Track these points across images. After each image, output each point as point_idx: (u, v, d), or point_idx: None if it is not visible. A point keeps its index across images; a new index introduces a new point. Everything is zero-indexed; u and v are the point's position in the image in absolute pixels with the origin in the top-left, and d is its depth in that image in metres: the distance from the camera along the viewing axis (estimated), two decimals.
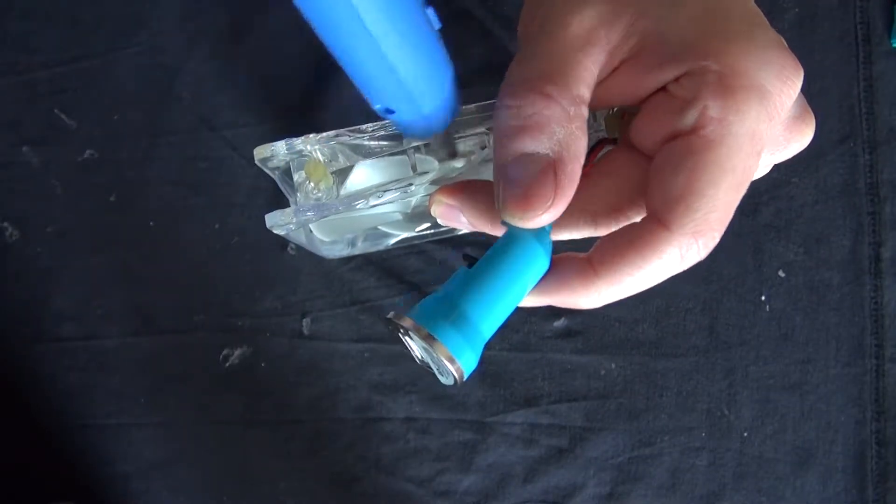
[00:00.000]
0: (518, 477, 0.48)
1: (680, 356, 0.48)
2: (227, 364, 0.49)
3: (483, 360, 0.48)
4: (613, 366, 0.48)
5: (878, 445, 0.48)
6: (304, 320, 0.49)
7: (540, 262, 0.27)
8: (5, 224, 0.50)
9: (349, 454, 0.49)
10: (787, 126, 0.27)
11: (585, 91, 0.26)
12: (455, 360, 0.26)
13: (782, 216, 0.48)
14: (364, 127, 0.32)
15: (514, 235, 0.27)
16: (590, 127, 0.30)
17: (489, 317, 0.27)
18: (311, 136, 0.33)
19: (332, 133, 0.32)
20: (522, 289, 0.28)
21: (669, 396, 0.48)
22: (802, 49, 0.48)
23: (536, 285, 0.28)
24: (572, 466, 0.48)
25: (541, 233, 0.27)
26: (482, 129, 0.34)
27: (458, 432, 0.49)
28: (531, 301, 0.29)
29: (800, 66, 0.25)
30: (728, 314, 0.48)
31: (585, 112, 0.26)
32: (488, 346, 0.48)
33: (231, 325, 0.49)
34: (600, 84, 0.27)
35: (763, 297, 0.48)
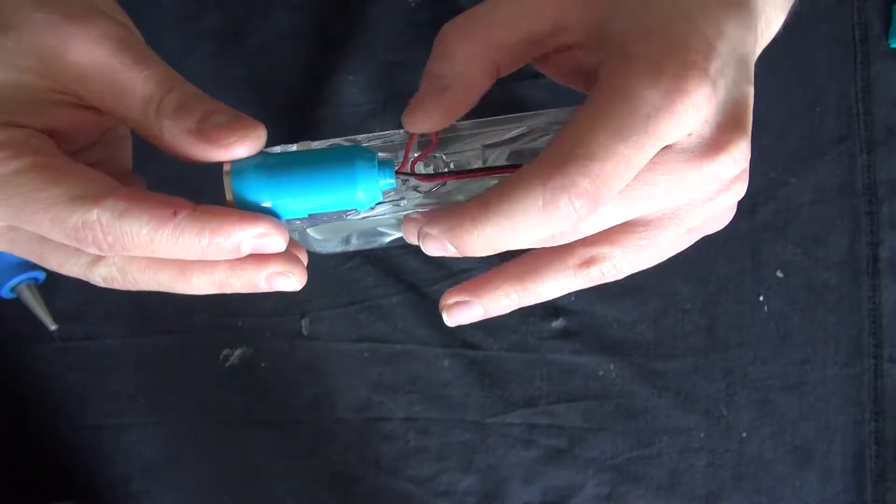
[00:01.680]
0: (517, 477, 0.48)
1: (678, 357, 0.48)
2: (227, 364, 0.49)
3: (482, 361, 0.49)
4: (612, 366, 0.48)
5: (877, 445, 0.48)
6: (304, 320, 0.49)
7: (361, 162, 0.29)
8: None
9: (349, 454, 0.49)
10: (698, 146, 0.26)
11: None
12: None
13: (780, 216, 0.48)
14: (359, 137, 0.32)
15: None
16: None
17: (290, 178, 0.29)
18: (307, 142, 0.33)
19: (326, 141, 0.32)
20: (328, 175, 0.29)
21: (668, 397, 0.48)
22: (800, 49, 0.48)
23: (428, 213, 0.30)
24: (571, 467, 0.48)
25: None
26: (478, 146, 0.34)
27: (457, 432, 0.49)
28: (413, 229, 0.29)
29: (704, 74, 0.25)
30: (726, 315, 0.48)
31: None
32: (486, 346, 0.48)
33: (231, 325, 0.49)
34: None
35: (761, 298, 0.48)
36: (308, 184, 0.28)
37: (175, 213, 0.25)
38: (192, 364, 0.50)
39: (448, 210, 0.27)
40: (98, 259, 0.26)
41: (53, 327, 0.48)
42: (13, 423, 0.50)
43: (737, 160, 0.26)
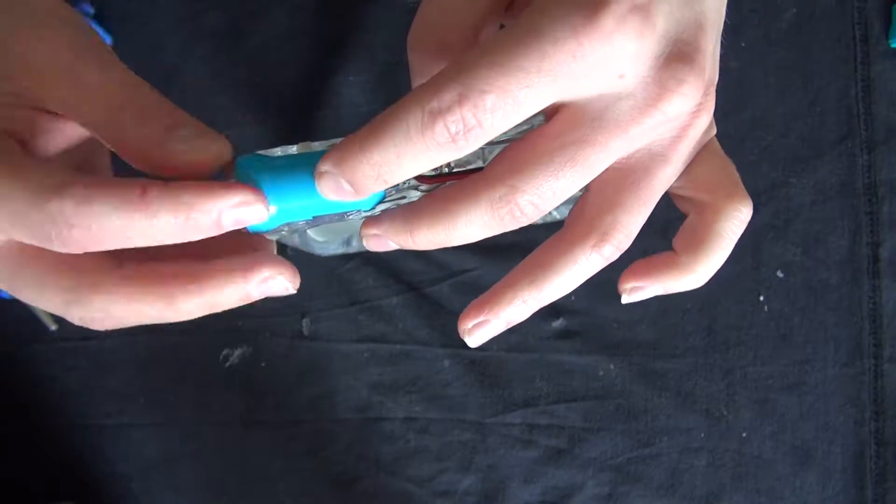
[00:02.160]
0: (517, 477, 0.49)
1: (678, 357, 0.48)
2: (227, 364, 0.49)
3: (482, 361, 0.49)
4: (612, 366, 0.48)
5: (877, 445, 0.48)
6: (304, 320, 0.49)
7: None
8: None
9: (349, 454, 0.49)
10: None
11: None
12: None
13: (780, 216, 0.48)
14: None
15: None
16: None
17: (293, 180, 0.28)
18: (308, 143, 0.33)
19: (327, 142, 0.32)
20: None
21: (668, 397, 0.48)
22: (800, 49, 0.48)
23: None
24: (571, 467, 0.48)
25: None
26: (480, 165, 0.33)
27: (457, 432, 0.49)
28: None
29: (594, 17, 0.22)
30: (726, 314, 0.48)
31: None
32: (486, 346, 0.48)
33: (231, 325, 0.49)
34: None
35: (761, 298, 0.48)
36: (311, 185, 0.28)
37: (144, 191, 0.23)
38: (192, 364, 0.50)
39: (399, 217, 0.28)
40: (72, 298, 0.25)
41: (53, 328, 0.48)
42: (13, 423, 0.50)
43: (686, 95, 0.24)
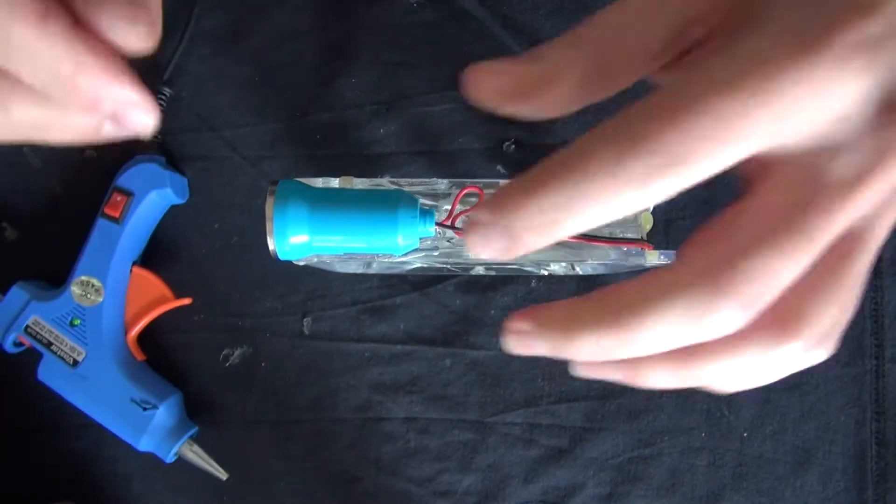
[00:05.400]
0: (518, 477, 0.48)
1: None
2: (227, 364, 0.49)
3: (484, 361, 0.48)
4: None
5: (878, 446, 0.48)
6: (305, 320, 0.49)
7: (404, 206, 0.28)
8: (4, 224, 0.50)
9: (349, 454, 0.49)
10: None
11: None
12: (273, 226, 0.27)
13: None
14: (402, 181, 0.32)
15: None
16: (625, 220, 0.27)
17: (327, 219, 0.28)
18: (349, 178, 0.32)
19: (368, 180, 0.31)
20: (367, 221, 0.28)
21: (669, 397, 0.48)
22: None
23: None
24: (572, 467, 0.48)
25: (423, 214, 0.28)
26: None
27: (458, 432, 0.49)
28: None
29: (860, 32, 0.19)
30: None
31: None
32: (488, 346, 0.48)
33: (231, 325, 0.49)
34: None
35: None
36: (348, 225, 0.28)
37: (46, 13, 0.19)
38: (192, 364, 0.50)
39: (556, 311, 0.22)
40: None
41: (224, 477, 0.48)
42: (13, 423, 0.50)
43: None
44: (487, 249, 0.21)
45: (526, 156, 0.48)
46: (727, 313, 0.20)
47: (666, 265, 0.22)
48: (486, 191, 0.31)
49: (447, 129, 0.48)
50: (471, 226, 0.21)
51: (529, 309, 0.23)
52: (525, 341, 0.23)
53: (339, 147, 0.48)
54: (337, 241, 0.29)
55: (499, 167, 0.48)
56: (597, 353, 0.22)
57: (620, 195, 0.19)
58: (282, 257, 0.28)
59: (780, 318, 0.21)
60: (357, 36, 0.49)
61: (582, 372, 0.25)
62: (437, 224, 0.30)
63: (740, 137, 0.19)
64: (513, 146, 0.48)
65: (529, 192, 0.20)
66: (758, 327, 0.21)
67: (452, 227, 0.30)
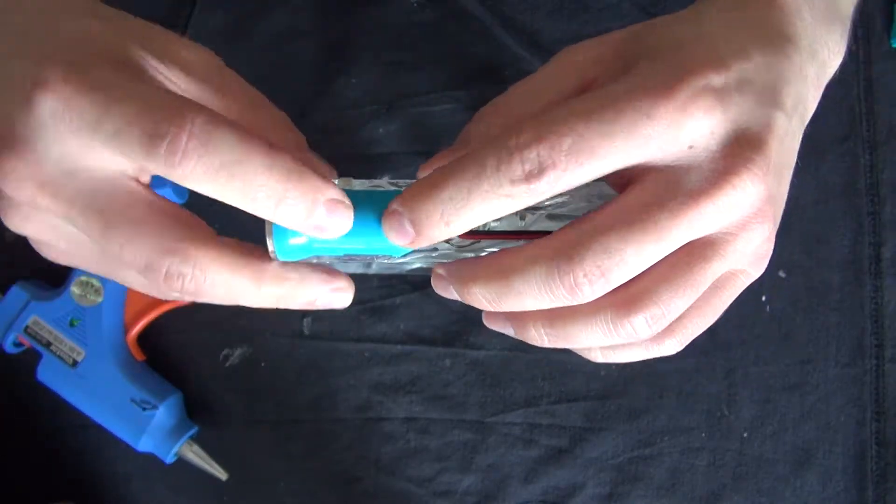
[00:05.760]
0: (518, 477, 0.48)
1: (680, 356, 0.47)
2: (227, 364, 0.49)
3: (484, 361, 0.48)
4: (613, 366, 0.48)
5: (878, 446, 0.48)
6: (305, 320, 0.49)
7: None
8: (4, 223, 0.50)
9: (349, 454, 0.49)
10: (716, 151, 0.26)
11: None
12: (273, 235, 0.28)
13: (782, 216, 0.48)
14: (401, 182, 0.32)
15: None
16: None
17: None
18: (348, 179, 0.32)
19: (367, 182, 0.32)
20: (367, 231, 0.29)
21: (669, 397, 0.48)
22: None
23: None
24: (572, 467, 0.48)
25: None
26: (517, 214, 0.33)
27: (458, 432, 0.49)
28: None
29: (700, 88, 0.25)
30: (728, 314, 0.48)
31: None
32: (488, 346, 0.48)
33: (231, 324, 0.49)
34: None
35: (763, 298, 0.48)
36: None
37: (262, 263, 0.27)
38: (192, 364, 0.50)
39: (464, 265, 0.28)
40: (175, 247, 0.25)
41: (224, 477, 0.48)
42: (13, 423, 0.50)
43: (754, 175, 0.25)
44: (398, 238, 0.27)
45: None
46: (577, 282, 0.25)
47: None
48: None
49: (447, 129, 0.48)
50: (385, 215, 0.27)
51: (452, 262, 0.29)
52: (440, 283, 0.29)
53: (338, 147, 0.48)
54: (336, 242, 0.29)
55: None
56: (485, 303, 0.27)
57: (503, 194, 0.24)
58: (281, 258, 0.29)
59: (629, 294, 0.26)
60: (357, 36, 0.49)
61: (486, 322, 0.30)
62: None
63: (597, 156, 0.24)
64: None
65: (431, 189, 0.25)
66: (609, 300, 0.26)
67: None
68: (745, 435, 0.48)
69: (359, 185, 0.31)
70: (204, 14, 0.49)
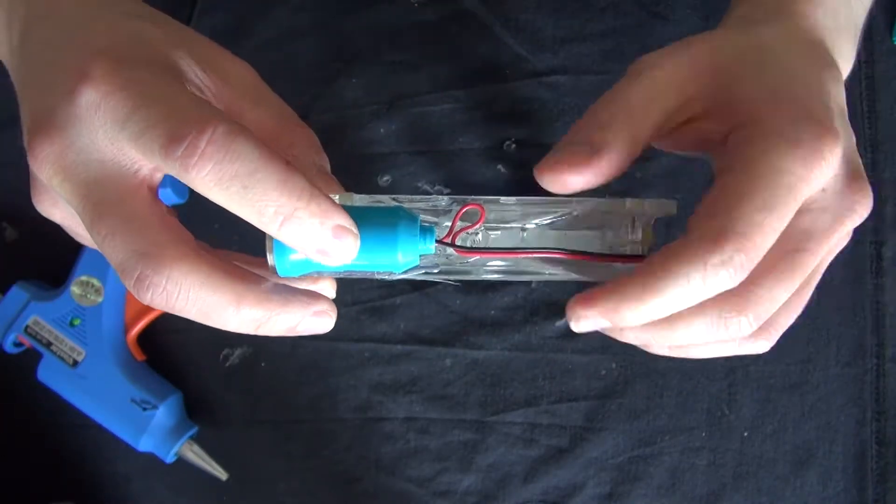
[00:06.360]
0: (518, 477, 0.48)
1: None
2: (227, 364, 0.49)
3: (484, 360, 0.48)
4: (614, 366, 0.48)
5: (879, 445, 0.48)
6: None
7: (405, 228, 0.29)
8: (4, 224, 0.50)
9: (349, 454, 0.49)
10: (842, 186, 0.29)
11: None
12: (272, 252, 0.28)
13: None
14: (401, 197, 0.32)
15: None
16: (625, 235, 0.32)
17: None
18: (349, 195, 0.32)
19: (368, 197, 0.32)
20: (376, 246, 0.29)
21: (670, 396, 0.48)
22: None
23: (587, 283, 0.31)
24: (572, 466, 0.48)
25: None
26: (518, 224, 0.33)
27: (458, 432, 0.49)
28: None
29: (836, 137, 0.27)
30: None
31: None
32: (488, 346, 0.48)
33: None
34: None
35: None
36: None
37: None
38: (192, 364, 0.50)
39: (606, 292, 0.28)
40: (153, 251, 0.25)
41: (224, 477, 0.49)
42: (13, 423, 0.50)
43: (867, 206, 0.29)
44: (585, 330, 0.29)
45: (526, 155, 0.48)
46: (742, 327, 0.28)
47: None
48: (486, 206, 0.31)
49: (447, 129, 0.48)
50: (575, 316, 0.29)
51: (586, 295, 0.29)
52: (589, 323, 0.29)
53: (339, 147, 0.48)
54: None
55: (499, 167, 0.48)
56: (638, 344, 0.30)
57: (707, 297, 0.27)
58: (281, 274, 0.29)
59: (735, 292, 0.28)
60: (357, 36, 0.49)
61: (621, 337, 0.31)
62: (438, 241, 0.30)
63: (774, 229, 0.27)
64: (513, 146, 0.48)
65: (642, 300, 0.27)
66: (723, 296, 0.28)
67: (453, 244, 0.31)
68: (746, 434, 0.48)
69: (360, 199, 0.31)
70: (204, 14, 0.49)
